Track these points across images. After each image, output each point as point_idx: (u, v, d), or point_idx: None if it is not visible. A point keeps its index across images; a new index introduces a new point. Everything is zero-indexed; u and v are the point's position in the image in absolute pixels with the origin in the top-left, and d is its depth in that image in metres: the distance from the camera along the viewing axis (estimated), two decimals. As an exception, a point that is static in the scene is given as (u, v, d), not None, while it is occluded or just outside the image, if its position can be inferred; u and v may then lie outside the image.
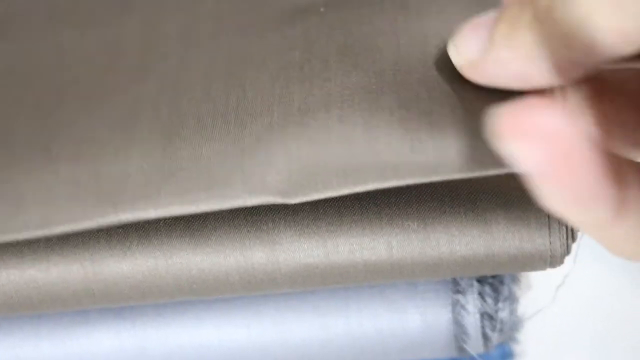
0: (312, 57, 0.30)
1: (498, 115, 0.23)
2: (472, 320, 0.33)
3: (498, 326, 0.34)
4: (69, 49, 0.33)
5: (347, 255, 0.30)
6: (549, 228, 0.29)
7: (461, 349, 0.34)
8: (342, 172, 0.26)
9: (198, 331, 0.34)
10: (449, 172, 0.26)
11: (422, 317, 0.34)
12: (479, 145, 0.26)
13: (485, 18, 0.26)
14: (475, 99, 0.27)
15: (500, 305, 0.34)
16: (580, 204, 0.23)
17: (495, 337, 0.34)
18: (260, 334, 0.34)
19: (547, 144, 0.22)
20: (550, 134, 0.22)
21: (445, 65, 0.29)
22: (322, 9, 0.32)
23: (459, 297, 0.33)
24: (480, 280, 0.34)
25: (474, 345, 0.34)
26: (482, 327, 0.34)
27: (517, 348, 0.37)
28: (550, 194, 0.23)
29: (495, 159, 0.25)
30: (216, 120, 0.29)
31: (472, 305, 0.33)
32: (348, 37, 0.30)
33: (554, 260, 0.30)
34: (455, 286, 0.34)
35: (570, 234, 0.30)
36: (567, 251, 0.30)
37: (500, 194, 0.30)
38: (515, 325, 0.35)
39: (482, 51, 0.26)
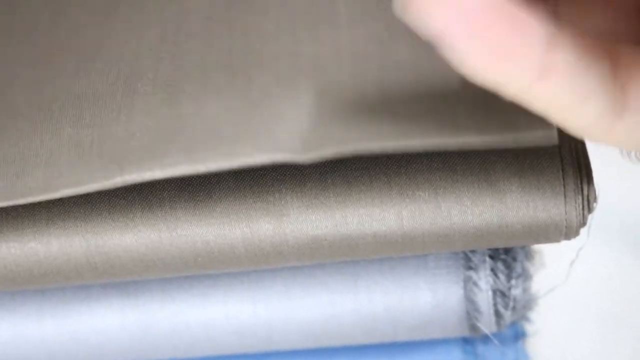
0: (318, 0, 0.29)
1: None
2: (484, 297, 0.33)
3: (511, 304, 0.33)
4: (64, 9, 0.33)
5: (356, 226, 0.29)
6: (565, 197, 0.29)
7: (473, 327, 0.34)
8: (355, 127, 0.26)
9: (204, 307, 0.33)
10: (460, 134, 0.25)
11: (433, 294, 0.33)
12: (493, 107, 0.25)
13: None
14: None
15: (513, 282, 0.33)
16: (502, 60, 0.22)
17: (508, 315, 0.34)
18: (267, 310, 0.33)
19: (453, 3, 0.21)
20: None
21: None
22: None
23: (471, 273, 0.33)
24: (493, 257, 0.33)
25: (486, 324, 0.34)
26: (495, 304, 0.33)
27: (529, 328, 0.37)
28: (467, 53, 0.22)
29: (504, 123, 0.25)
30: (220, 74, 0.28)
31: (484, 281, 0.33)
32: None
33: (569, 231, 0.29)
34: (467, 262, 0.33)
35: (586, 204, 0.29)
36: (583, 222, 0.29)
37: (514, 162, 0.29)
38: (528, 303, 0.34)
39: None
